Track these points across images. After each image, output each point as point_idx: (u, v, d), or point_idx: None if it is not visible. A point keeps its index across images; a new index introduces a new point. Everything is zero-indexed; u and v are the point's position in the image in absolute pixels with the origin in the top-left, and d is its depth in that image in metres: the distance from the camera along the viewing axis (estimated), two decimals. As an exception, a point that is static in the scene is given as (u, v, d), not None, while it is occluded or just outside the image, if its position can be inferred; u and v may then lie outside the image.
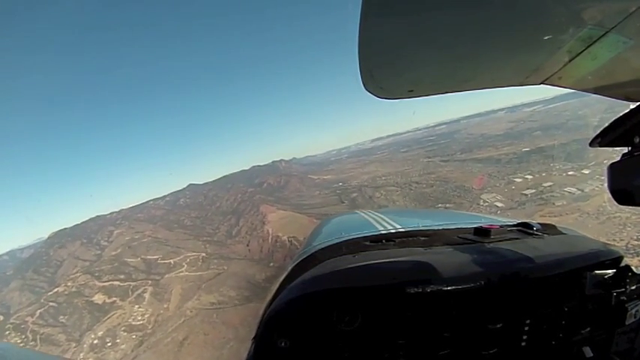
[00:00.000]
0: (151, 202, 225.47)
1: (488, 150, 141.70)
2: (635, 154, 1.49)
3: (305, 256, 2.65)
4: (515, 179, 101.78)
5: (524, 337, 2.03)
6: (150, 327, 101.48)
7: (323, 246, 2.78)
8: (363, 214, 4.39)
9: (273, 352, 1.90)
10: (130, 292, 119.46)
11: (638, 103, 1.49)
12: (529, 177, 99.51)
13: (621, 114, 1.53)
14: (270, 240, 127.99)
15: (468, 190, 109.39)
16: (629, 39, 1.23)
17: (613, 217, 64.88)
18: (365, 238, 2.81)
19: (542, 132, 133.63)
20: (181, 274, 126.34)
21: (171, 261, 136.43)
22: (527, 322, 2.02)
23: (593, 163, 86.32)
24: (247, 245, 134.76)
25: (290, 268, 2.54)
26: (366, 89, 1.49)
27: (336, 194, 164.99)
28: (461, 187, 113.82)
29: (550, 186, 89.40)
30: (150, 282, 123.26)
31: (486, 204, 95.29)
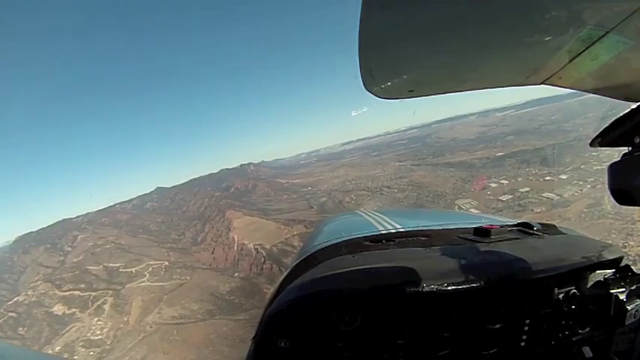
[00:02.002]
0: (118, 206, 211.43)
1: (461, 154, 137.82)
2: (635, 154, 1.47)
3: (305, 256, 2.62)
4: (491, 184, 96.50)
5: (524, 337, 2.04)
6: (109, 342, 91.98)
7: (323, 246, 2.74)
8: (363, 214, 4.28)
9: (273, 352, 1.88)
10: (90, 303, 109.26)
11: (638, 103, 1.48)
12: (504, 182, 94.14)
13: (621, 114, 1.52)
14: (235, 248, 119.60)
15: (441, 195, 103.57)
16: (629, 39, 1.22)
17: (596, 224, 59.34)
18: (365, 238, 2.78)
19: (515, 136, 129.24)
20: (143, 284, 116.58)
21: (133, 270, 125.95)
22: (527, 322, 2.03)
23: (570, 168, 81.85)
24: (212, 253, 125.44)
25: (290, 268, 2.51)
26: (367, 89, 1.48)
27: (305, 199, 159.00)
28: (434, 191, 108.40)
29: (527, 191, 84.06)
30: (110, 292, 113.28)
31: (461, 210, 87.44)
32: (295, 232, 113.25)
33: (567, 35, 1.22)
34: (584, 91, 1.64)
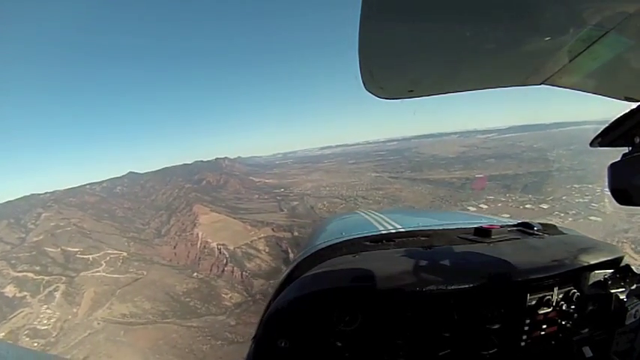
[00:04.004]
0: (88, 187, 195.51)
1: (440, 172, 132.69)
2: (635, 154, 1.45)
3: (305, 256, 2.61)
4: (469, 207, 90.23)
5: (524, 337, 2.02)
6: (54, 334, 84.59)
7: (323, 246, 2.72)
8: (363, 214, 4.22)
9: (273, 352, 1.88)
10: (42, 288, 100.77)
11: (638, 103, 1.45)
12: (484, 206, 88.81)
13: (621, 114, 1.49)
14: (198, 245, 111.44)
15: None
16: (629, 39, 1.21)
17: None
18: (365, 238, 2.77)
19: (497, 160, 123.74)
20: (98, 273, 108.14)
21: (90, 257, 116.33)
22: (527, 322, 2.01)
23: (551, 197, 78.25)
24: (174, 248, 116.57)
25: (290, 268, 2.52)
26: (366, 89, 1.48)
27: (276, 200, 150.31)
28: (410, 207, 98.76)
29: (507, 219, 76.90)
30: (64, 279, 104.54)
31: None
32: (262, 235, 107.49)
33: (568, 35, 1.20)
34: (584, 91, 1.61)
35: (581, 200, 69.41)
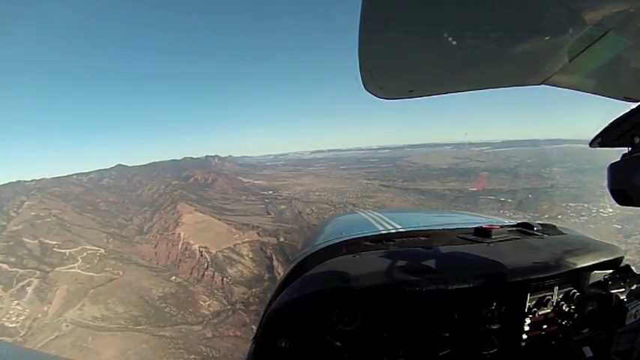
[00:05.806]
0: (74, 177, 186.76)
1: (432, 183, 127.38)
2: (635, 154, 1.44)
3: (305, 256, 2.59)
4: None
5: (524, 337, 2.01)
6: (22, 333, 79.01)
7: (323, 246, 2.70)
8: (363, 214, 4.21)
9: (273, 352, 1.86)
10: (15, 282, 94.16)
11: (638, 103, 1.44)
12: None
13: (621, 114, 1.48)
14: (179, 246, 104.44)
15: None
16: (629, 39, 1.21)
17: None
18: (365, 238, 2.76)
19: (490, 173, 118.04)
20: (73, 270, 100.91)
21: (67, 252, 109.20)
22: (527, 322, 2.00)
23: (546, 216, 70.24)
24: (155, 247, 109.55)
25: (290, 268, 2.52)
26: (366, 89, 1.47)
27: (264, 203, 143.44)
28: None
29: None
30: (38, 273, 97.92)
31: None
32: (246, 239, 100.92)
33: (567, 35, 1.19)
34: (583, 91, 1.60)
35: (577, 220, 64.30)
